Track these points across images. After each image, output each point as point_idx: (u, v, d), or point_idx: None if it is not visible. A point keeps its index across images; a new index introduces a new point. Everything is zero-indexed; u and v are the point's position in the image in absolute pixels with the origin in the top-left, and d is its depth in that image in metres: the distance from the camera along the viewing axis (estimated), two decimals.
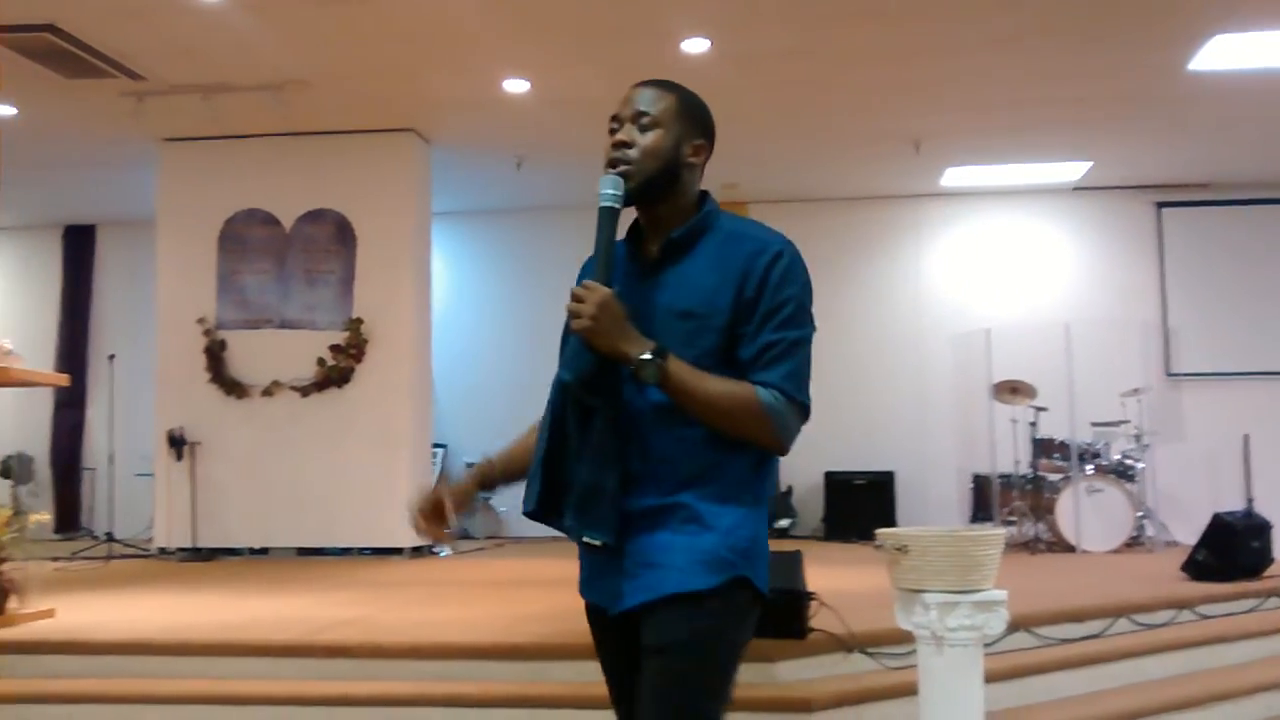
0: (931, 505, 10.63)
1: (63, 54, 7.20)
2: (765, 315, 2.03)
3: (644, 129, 2.10)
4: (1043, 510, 8.98)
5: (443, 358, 10.54)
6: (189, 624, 5.13)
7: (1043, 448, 9.20)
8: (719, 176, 10.40)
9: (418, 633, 4.81)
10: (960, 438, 10.69)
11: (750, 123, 8.90)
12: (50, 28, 6.83)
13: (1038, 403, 9.18)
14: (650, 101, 2.11)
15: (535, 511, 2.10)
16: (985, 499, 9.83)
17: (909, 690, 3.80)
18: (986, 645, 3.35)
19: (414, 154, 9.17)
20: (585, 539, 2.04)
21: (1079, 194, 10.98)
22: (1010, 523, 9.17)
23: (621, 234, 2.15)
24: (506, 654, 4.45)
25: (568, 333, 2.10)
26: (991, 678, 3.57)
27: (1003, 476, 9.52)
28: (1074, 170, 10.33)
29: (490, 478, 2.26)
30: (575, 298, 1.99)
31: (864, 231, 11.18)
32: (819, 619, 4.47)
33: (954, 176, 10.49)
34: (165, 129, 8.98)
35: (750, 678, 4.18)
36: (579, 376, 2.03)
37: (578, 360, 2.04)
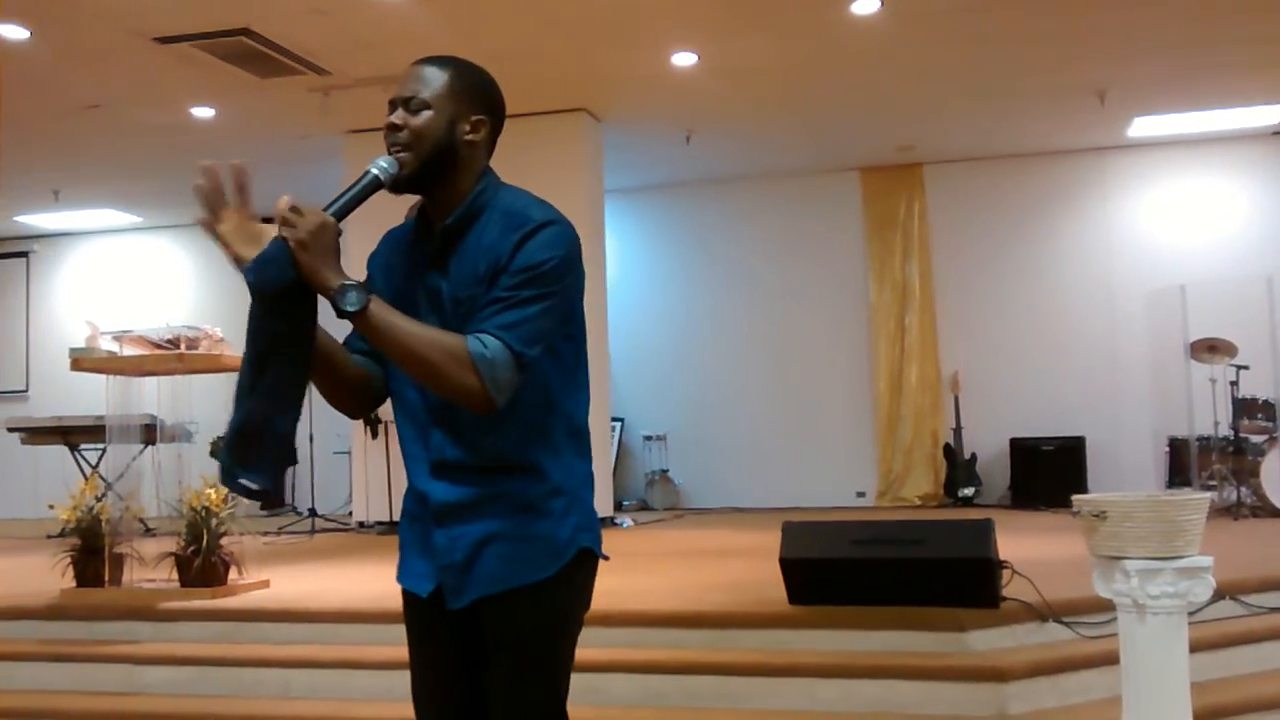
0: (1125, 471, 10.23)
1: (257, 55, 7.58)
2: (505, 275, 1.98)
3: (414, 111, 2.04)
4: (1246, 474, 8.56)
5: (618, 333, 10.67)
6: (392, 593, 5.37)
7: (1245, 408, 8.76)
8: (893, 139, 10.20)
9: (608, 601, 4.91)
10: (1155, 400, 10.25)
11: (923, 82, 8.70)
12: (245, 31, 7.20)
13: (1238, 361, 8.74)
14: (422, 81, 2.05)
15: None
16: (1183, 463, 9.42)
17: (1108, 660, 3.72)
18: (1191, 614, 3.24)
19: (586, 133, 9.30)
20: (241, 480, 1.95)
21: (1279, 138, 10.38)
22: (1210, 487, 8.77)
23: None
24: (695, 622, 4.53)
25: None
26: (1197, 647, 3.45)
27: (1201, 439, 9.10)
28: (1273, 113, 9.76)
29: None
30: (293, 210, 1.94)
31: (1048, 188, 10.77)
32: (1012, 588, 4.40)
33: (1142, 126, 10.03)
34: (349, 122, 9.32)
35: (943, 647, 4.16)
36: (265, 279, 1.92)
37: (271, 266, 1.92)
